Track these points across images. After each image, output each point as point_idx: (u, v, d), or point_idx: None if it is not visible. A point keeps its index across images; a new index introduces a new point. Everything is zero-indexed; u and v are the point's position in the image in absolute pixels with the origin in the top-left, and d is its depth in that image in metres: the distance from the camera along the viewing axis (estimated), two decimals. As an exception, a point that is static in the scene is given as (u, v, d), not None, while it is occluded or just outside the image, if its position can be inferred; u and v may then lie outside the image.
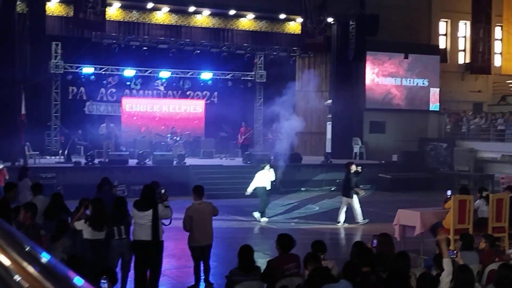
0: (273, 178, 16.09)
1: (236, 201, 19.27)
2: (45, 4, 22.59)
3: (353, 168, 15.90)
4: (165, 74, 25.62)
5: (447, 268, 5.90)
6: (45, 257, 1.31)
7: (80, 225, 8.30)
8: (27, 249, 1.34)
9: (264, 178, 15.96)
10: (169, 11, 25.22)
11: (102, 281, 5.68)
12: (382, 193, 22.55)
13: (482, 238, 8.51)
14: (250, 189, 16.19)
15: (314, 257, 6.94)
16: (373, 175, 24.06)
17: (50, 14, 23.19)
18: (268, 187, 15.96)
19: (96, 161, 21.44)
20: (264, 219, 16.15)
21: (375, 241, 7.69)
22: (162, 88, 26.23)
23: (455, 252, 6.88)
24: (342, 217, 16.00)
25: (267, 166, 16.14)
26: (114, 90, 25.77)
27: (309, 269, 6.67)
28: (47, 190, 15.66)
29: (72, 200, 9.78)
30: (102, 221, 8.30)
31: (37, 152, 21.60)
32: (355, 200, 15.85)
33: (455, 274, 5.94)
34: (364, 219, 16.02)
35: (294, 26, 27.24)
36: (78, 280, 1.29)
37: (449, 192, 12.18)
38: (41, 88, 23.62)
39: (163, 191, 9.28)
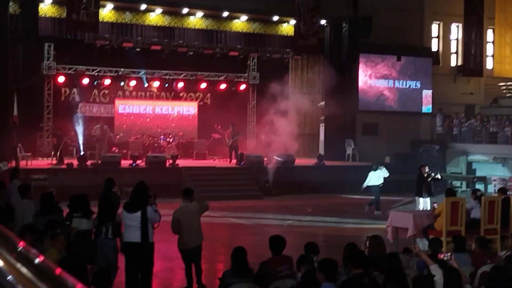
0: (386, 175, 18.11)
1: (229, 203, 19.24)
2: (37, 5, 22.44)
3: (425, 170, 16.52)
4: (156, 83, 25.57)
5: (436, 273, 5.94)
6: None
7: (76, 222, 8.50)
8: (19, 249, 1.33)
9: (377, 176, 18.00)
10: (162, 12, 25.14)
11: None
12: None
13: (474, 240, 8.52)
14: (364, 185, 18.39)
15: (307, 259, 6.93)
16: (366, 177, 24.01)
17: (43, 15, 23.05)
18: (381, 183, 18.01)
19: (89, 162, 21.37)
20: (378, 213, 17.83)
21: (368, 242, 7.70)
22: (155, 89, 26.16)
23: (448, 254, 6.88)
24: None
25: (381, 166, 18.40)
26: (107, 91, 25.69)
27: (302, 271, 6.66)
28: (39, 192, 15.68)
29: (65, 203, 9.71)
30: (86, 211, 8.74)
31: (29, 154, 21.50)
32: (421, 202, 15.98)
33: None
34: None
35: (287, 28, 27.23)
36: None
37: None
38: (34, 89, 23.53)
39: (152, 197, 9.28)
